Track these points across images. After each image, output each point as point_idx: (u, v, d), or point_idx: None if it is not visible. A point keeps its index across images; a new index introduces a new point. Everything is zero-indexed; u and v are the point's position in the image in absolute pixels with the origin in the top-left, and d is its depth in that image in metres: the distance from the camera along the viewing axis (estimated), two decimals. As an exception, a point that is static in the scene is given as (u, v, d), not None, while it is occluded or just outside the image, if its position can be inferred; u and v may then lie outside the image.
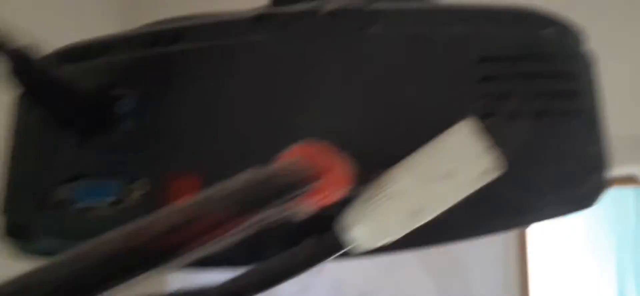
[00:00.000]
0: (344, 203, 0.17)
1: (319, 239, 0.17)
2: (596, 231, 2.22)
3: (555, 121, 0.18)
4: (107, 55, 0.20)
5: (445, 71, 0.19)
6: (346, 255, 0.18)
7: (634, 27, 1.72)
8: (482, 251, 1.70)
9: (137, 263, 0.09)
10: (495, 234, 0.19)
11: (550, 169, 0.18)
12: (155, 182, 0.19)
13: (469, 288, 1.77)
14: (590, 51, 0.21)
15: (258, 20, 0.20)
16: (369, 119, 0.19)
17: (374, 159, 0.18)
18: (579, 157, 0.19)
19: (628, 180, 1.72)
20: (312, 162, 0.13)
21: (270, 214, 0.11)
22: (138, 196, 0.19)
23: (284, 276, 0.16)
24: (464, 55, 0.19)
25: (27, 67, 0.17)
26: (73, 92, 0.19)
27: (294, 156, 0.13)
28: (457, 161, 0.16)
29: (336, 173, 0.14)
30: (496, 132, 0.18)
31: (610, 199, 2.14)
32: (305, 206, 0.13)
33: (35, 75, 0.18)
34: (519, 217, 0.19)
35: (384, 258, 0.18)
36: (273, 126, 0.19)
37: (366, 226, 0.17)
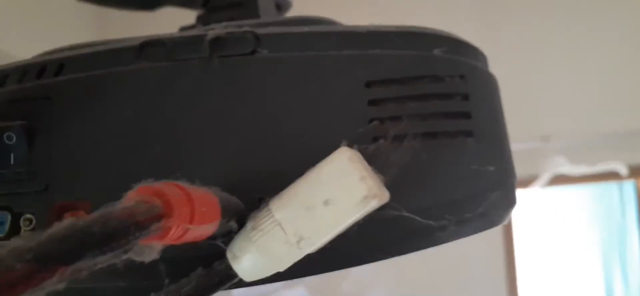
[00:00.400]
0: (227, 235, 0.17)
1: (208, 270, 0.17)
2: (582, 227, 2.23)
3: (447, 142, 0.18)
4: None
5: (333, 95, 0.18)
6: (239, 284, 0.18)
7: (611, 27, 1.75)
8: (469, 249, 1.71)
9: None
10: (396, 256, 0.19)
11: (445, 191, 0.18)
12: (44, 214, 0.19)
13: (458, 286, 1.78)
14: (487, 69, 0.21)
15: (143, 47, 0.20)
16: (259, 145, 0.18)
17: (260, 188, 0.18)
18: (475, 177, 0.19)
19: (611, 176, 1.73)
20: (154, 202, 0.13)
21: (99, 260, 0.11)
22: (29, 229, 0.19)
23: None
24: (351, 79, 0.18)
25: None
26: None
27: (133, 198, 0.13)
28: (335, 189, 0.16)
29: (190, 210, 0.14)
30: (383, 157, 0.18)
31: (596, 195, 2.16)
32: (152, 249, 0.13)
33: None
34: (418, 241, 0.19)
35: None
36: (157, 153, 0.19)
37: (254, 255, 0.17)
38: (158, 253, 0.13)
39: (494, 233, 1.78)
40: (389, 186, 0.17)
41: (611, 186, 2.15)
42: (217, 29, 0.19)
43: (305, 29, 0.20)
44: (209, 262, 0.18)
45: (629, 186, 2.09)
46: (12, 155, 0.19)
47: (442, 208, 0.18)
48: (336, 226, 0.16)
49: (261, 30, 0.19)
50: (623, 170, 1.68)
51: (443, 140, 0.18)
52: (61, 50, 0.22)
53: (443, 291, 1.80)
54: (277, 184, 0.17)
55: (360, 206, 0.16)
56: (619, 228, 2.21)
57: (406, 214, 0.18)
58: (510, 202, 0.20)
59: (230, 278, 0.17)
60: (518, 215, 1.84)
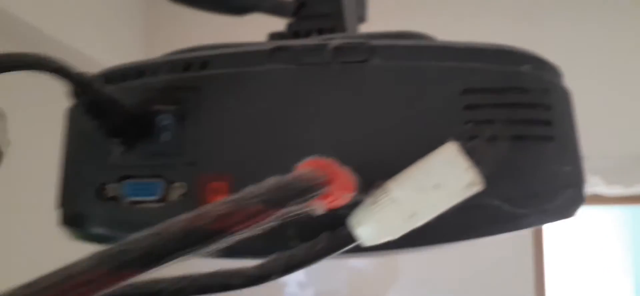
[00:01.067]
0: (353, 206, 0.21)
1: (333, 234, 0.21)
2: (614, 248, 2.20)
3: (530, 144, 0.22)
4: (144, 77, 0.25)
5: (435, 99, 0.22)
6: (355, 249, 0.21)
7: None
8: (499, 263, 1.71)
9: (197, 241, 0.13)
10: (482, 237, 0.23)
11: (529, 184, 0.22)
12: (191, 184, 0.23)
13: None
14: (565, 85, 0.24)
15: (274, 51, 0.24)
16: (372, 139, 0.22)
17: (375, 171, 0.21)
18: (554, 174, 0.22)
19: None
20: (322, 172, 0.17)
21: (291, 211, 0.15)
22: (178, 195, 0.23)
23: (303, 263, 0.20)
24: (451, 86, 0.22)
25: (85, 90, 0.21)
26: (119, 108, 0.23)
27: (307, 167, 0.17)
28: (444, 175, 0.20)
29: (341, 182, 0.18)
30: (477, 153, 0.21)
31: (629, 218, 2.12)
32: (318, 206, 0.17)
33: (91, 95, 0.22)
34: (506, 224, 0.22)
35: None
36: (288, 139, 0.23)
37: (371, 225, 0.20)
38: (323, 210, 0.17)
39: (524, 250, 1.78)
40: (482, 178, 0.20)
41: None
42: (336, 40, 0.23)
43: (411, 42, 0.24)
44: (329, 228, 0.21)
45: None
46: (165, 133, 0.23)
47: (527, 199, 0.22)
48: (442, 207, 0.20)
49: (374, 42, 0.23)
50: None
51: (528, 143, 0.22)
52: (200, 48, 0.26)
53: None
54: (386, 169, 0.21)
55: (464, 192, 0.20)
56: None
57: (496, 202, 0.21)
58: (581, 199, 0.23)
59: (351, 242, 0.21)
60: (550, 232, 1.83)
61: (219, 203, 0.13)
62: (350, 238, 0.21)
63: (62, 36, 1.56)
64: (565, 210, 0.23)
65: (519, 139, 0.22)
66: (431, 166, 0.20)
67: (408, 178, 0.20)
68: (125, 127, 0.23)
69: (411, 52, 0.23)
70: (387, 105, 0.22)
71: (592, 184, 1.64)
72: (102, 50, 1.77)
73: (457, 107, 0.22)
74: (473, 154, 0.21)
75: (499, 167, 0.21)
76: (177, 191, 0.23)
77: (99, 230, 0.24)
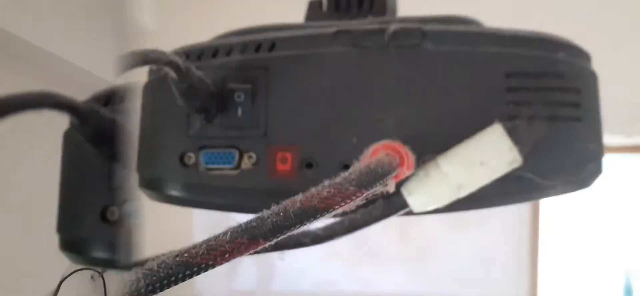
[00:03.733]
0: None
1: (388, 202, 0.24)
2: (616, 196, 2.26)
3: (563, 124, 0.24)
4: (219, 57, 0.27)
5: (480, 81, 0.25)
6: (408, 213, 0.25)
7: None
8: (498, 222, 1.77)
9: (309, 216, 0.16)
10: (517, 204, 0.26)
11: (559, 160, 0.24)
12: (261, 153, 0.26)
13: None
14: (593, 70, 0.27)
15: (337, 34, 0.26)
16: (423, 116, 0.25)
17: (427, 147, 0.24)
18: (580, 151, 0.25)
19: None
20: (395, 155, 0.20)
21: (376, 190, 0.18)
22: (250, 163, 0.26)
23: (362, 226, 0.24)
24: (495, 70, 0.25)
25: (179, 73, 0.23)
26: (206, 87, 0.25)
27: (383, 150, 0.20)
28: (489, 153, 0.23)
29: (407, 162, 0.21)
30: (518, 131, 0.24)
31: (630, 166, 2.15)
32: (391, 184, 0.20)
33: (183, 78, 0.24)
34: (534, 193, 0.25)
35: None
36: (348, 115, 0.25)
37: (424, 194, 0.23)
38: (394, 188, 0.20)
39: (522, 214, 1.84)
40: (521, 155, 0.24)
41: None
42: (394, 24, 0.26)
43: (461, 28, 0.26)
44: (384, 197, 0.25)
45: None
46: (240, 108, 0.26)
47: (555, 172, 0.25)
48: (485, 180, 0.23)
49: (426, 27, 0.26)
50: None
51: (560, 123, 0.25)
52: (265, 29, 0.28)
53: (467, 261, 1.87)
54: (435, 144, 0.24)
55: (506, 168, 0.23)
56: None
57: (529, 175, 0.24)
58: (599, 171, 0.26)
59: (404, 207, 0.24)
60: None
61: (322, 187, 0.16)
62: (403, 205, 0.24)
63: (37, 40, 1.52)
64: (586, 181, 0.26)
65: (553, 119, 0.24)
66: (478, 144, 0.23)
67: (457, 154, 0.23)
68: (207, 104, 0.26)
69: (460, 37, 0.25)
70: (437, 86, 0.25)
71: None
72: (78, 52, 1.73)
73: (500, 89, 0.25)
74: (513, 133, 0.24)
75: (535, 145, 0.24)
76: (250, 159, 0.26)
77: (178, 193, 0.27)
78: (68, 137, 0.27)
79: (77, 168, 0.26)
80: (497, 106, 0.24)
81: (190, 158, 0.26)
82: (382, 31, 0.26)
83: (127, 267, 0.26)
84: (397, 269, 1.84)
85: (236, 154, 0.26)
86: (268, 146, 0.26)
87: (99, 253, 0.26)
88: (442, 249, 1.83)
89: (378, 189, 0.18)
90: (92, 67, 1.74)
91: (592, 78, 0.26)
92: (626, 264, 2.26)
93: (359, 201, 0.17)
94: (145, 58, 0.21)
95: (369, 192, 0.17)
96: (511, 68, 0.25)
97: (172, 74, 0.23)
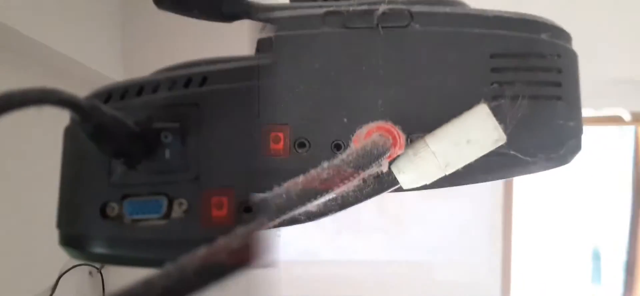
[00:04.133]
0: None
1: (379, 179, 0.25)
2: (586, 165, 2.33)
3: (545, 103, 0.25)
4: (144, 95, 0.25)
5: (466, 61, 0.25)
6: (397, 190, 0.25)
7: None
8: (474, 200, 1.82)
9: (311, 197, 0.17)
10: (501, 179, 0.27)
11: (541, 137, 0.26)
12: (195, 199, 0.24)
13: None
14: (574, 49, 0.28)
15: (326, 15, 0.26)
16: (411, 96, 0.25)
17: (415, 126, 0.25)
18: (561, 128, 0.26)
19: (614, 120, 1.82)
20: (388, 136, 0.20)
21: (371, 171, 0.19)
22: (181, 211, 0.24)
23: (354, 202, 0.24)
24: (480, 50, 0.25)
25: (91, 116, 0.21)
26: (123, 128, 0.23)
27: (377, 131, 0.21)
28: (476, 132, 0.24)
29: (399, 142, 0.21)
30: (502, 110, 0.25)
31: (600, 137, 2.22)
32: (384, 164, 0.20)
33: (97, 120, 0.22)
34: (517, 169, 0.26)
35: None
36: (341, 96, 0.25)
37: (412, 171, 0.24)
38: (387, 168, 0.21)
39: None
40: (505, 133, 0.24)
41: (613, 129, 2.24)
42: (382, 6, 0.26)
43: (447, 9, 0.26)
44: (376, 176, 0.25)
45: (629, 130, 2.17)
46: (167, 151, 0.24)
47: (537, 149, 0.26)
48: (472, 158, 0.24)
49: (414, 9, 0.26)
50: (627, 115, 1.76)
51: (542, 101, 0.26)
52: (198, 63, 0.26)
53: (442, 229, 1.91)
54: (423, 124, 0.25)
55: (492, 145, 0.24)
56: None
57: (512, 152, 0.25)
58: (579, 147, 0.28)
59: (394, 184, 0.25)
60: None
61: (321, 169, 0.17)
62: (393, 182, 0.25)
63: (37, 35, 1.49)
64: (567, 158, 0.27)
65: (535, 98, 0.25)
66: (465, 124, 0.24)
67: (445, 133, 0.24)
68: (128, 147, 0.23)
69: (447, 19, 0.26)
70: (425, 66, 0.25)
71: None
72: (78, 47, 1.70)
73: (485, 69, 0.25)
74: (498, 112, 0.25)
75: (518, 123, 0.25)
76: (181, 207, 0.24)
77: (101, 250, 0.24)
78: (69, 133, 0.26)
79: (78, 164, 0.25)
80: (482, 85, 0.25)
81: (113, 209, 0.24)
82: (371, 12, 0.26)
83: None
84: (376, 238, 1.88)
85: (164, 201, 0.24)
86: (201, 190, 0.24)
87: (99, 249, 0.24)
88: (419, 218, 1.87)
89: (373, 169, 0.19)
90: (93, 63, 1.72)
91: (572, 57, 0.27)
92: (595, 231, 2.34)
93: (356, 181, 0.18)
94: (24, 99, 0.18)
95: (365, 173, 0.18)
96: (496, 49, 0.25)
97: (74, 115, 0.21)
